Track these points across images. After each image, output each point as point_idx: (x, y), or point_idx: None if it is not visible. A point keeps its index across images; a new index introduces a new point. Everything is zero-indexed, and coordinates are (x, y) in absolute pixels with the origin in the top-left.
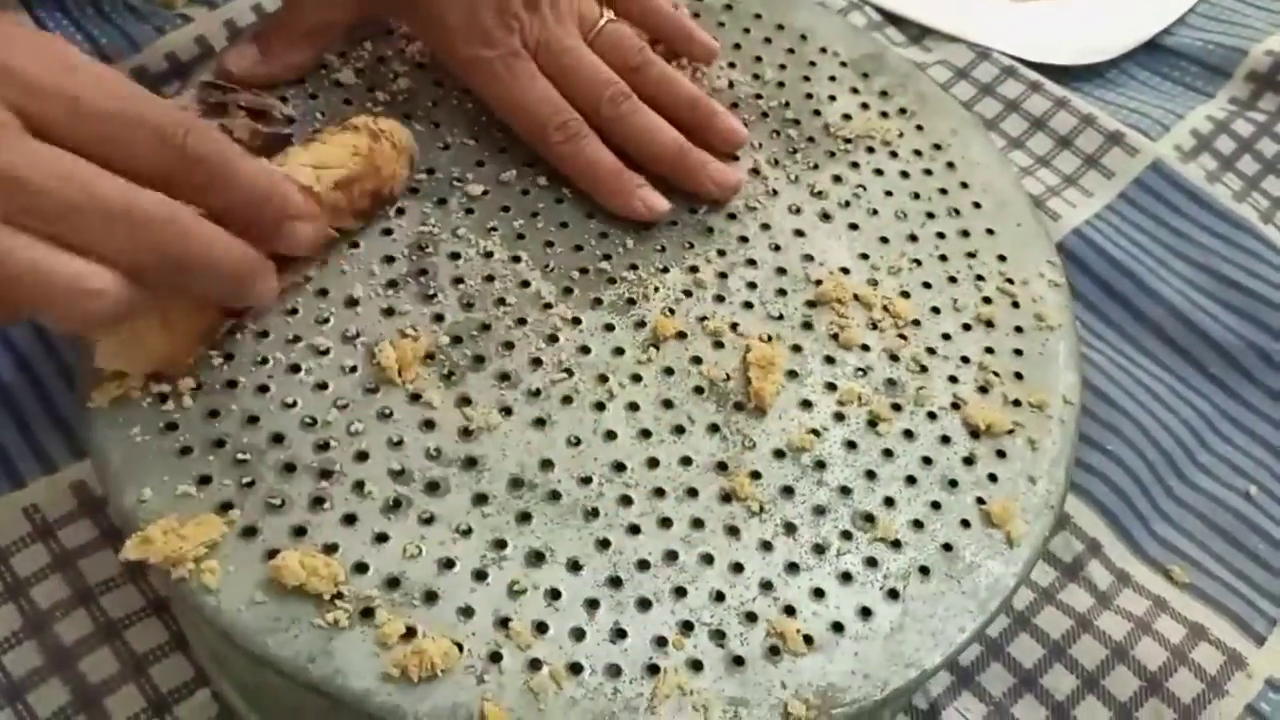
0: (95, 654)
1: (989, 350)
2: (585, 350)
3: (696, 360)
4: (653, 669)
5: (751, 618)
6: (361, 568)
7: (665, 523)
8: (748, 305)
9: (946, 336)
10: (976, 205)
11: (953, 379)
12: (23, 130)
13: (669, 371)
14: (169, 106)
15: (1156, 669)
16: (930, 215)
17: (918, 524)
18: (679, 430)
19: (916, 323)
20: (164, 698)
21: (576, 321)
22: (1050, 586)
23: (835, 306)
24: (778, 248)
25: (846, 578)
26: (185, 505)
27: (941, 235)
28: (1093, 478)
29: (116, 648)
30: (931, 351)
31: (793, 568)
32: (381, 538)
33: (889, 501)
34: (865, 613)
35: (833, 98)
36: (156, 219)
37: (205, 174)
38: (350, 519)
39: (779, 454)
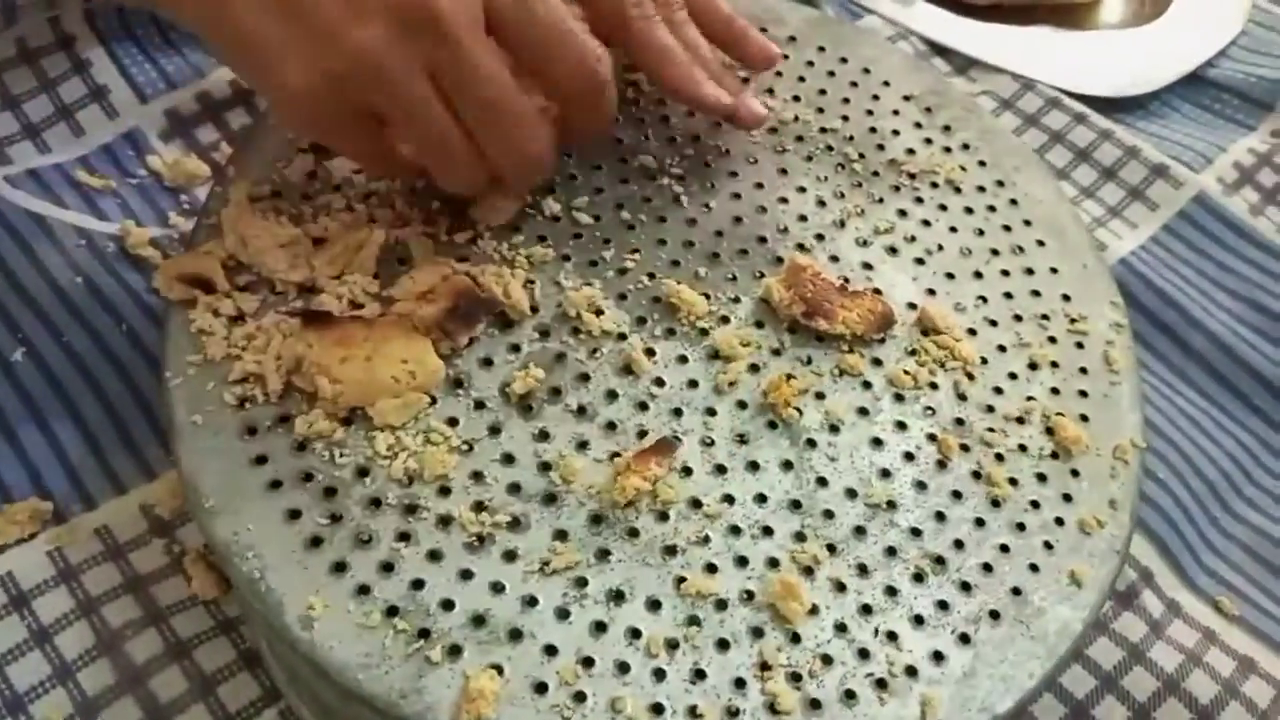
0: (165, 673)
1: (1054, 391)
2: (660, 383)
3: (765, 394)
4: (732, 711)
5: (827, 660)
6: (448, 604)
7: (742, 561)
8: (819, 339)
9: (1013, 376)
10: (1040, 243)
11: (1019, 420)
12: (483, 26)
13: (742, 405)
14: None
15: (1208, 702)
16: (995, 252)
17: (987, 567)
18: (753, 466)
19: (984, 360)
20: (232, 717)
21: (651, 353)
22: (1105, 616)
23: (905, 342)
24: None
25: (919, 621)
26: (277, 539)
27: (1006, 273)
28: (1144, 505)
29: (185, 667)
30: (998, 391)
31: (866, 609)
32: (466, 574)
33: (958, 544)
34: (938, 657)
35: (896, 132)
36: (532, 136)
37: (592, 100)
38: (435, 555)
39: (851, 493)
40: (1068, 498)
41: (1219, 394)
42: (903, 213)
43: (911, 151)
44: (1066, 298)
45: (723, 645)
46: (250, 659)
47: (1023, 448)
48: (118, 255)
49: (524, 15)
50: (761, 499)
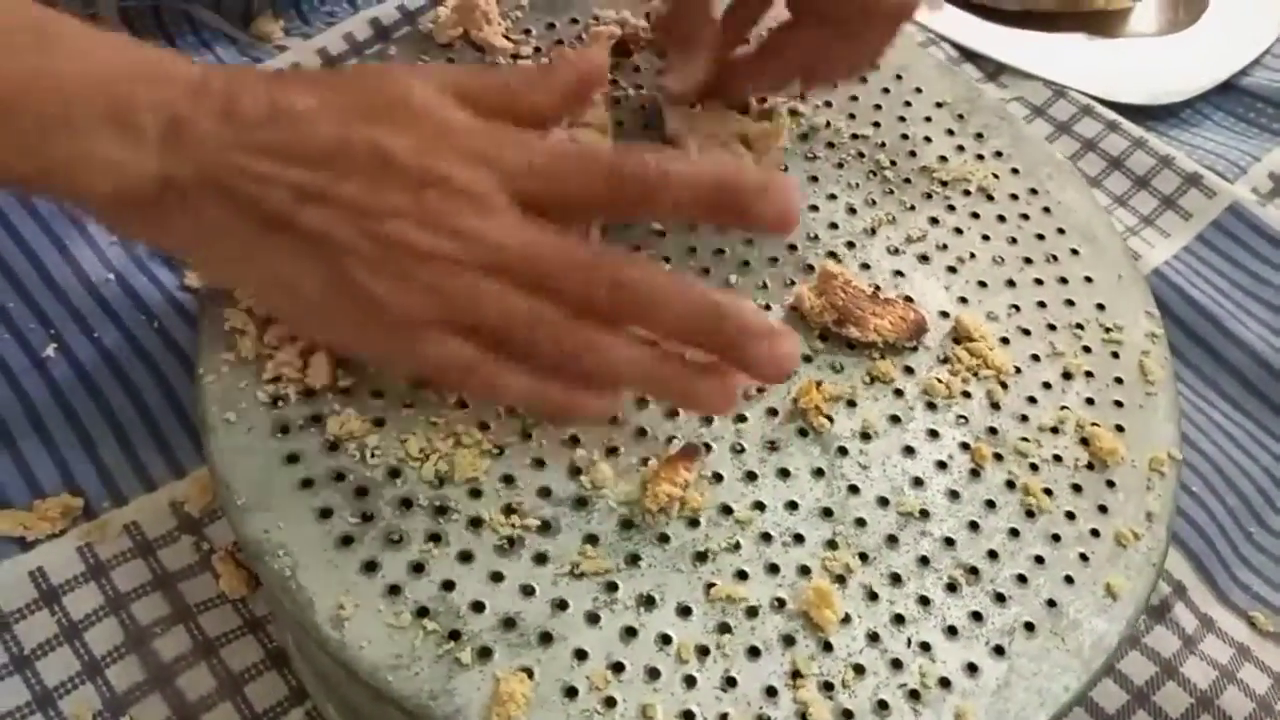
0: (193, 671)
1: (1089, 401)
2: None
3: (795, 401)
4: (763, 719)
5: (859, 670)
6: (479, 606)
7: (773, 569)
8: (851, 346)
9: (1047, 385)
10: (1074, 252)
11: (1054, 430)
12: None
13: (772, 413)
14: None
15: None
16: (1028, 260)
17: (1021, 579)
18: (784, 474)
19: (1017, 370)
20: (259, 716)
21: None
22: (1137, 630)
23: (937, 350)
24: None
25: (952, 632)
26: (308, 537)
27: (1039, 281)
28: (1177, 519)
29: (213, 665)
30: (1032, 400)
31: (899, 619)
32: (497, 576)
33: (992, 555)
34: (972, 668)
35: (929, 139)
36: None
37: (630, 299)
38: (467, 556)
39: (883, 501)
40: (1103, 509)
41: (1253, 406)
42: (935, 220)
43: (944, 159)
44: (1101, 307)
45: (754, 653)
46: (277, 658)
47: (1057, 458)
48: (149, 253)
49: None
50: (792, 506)
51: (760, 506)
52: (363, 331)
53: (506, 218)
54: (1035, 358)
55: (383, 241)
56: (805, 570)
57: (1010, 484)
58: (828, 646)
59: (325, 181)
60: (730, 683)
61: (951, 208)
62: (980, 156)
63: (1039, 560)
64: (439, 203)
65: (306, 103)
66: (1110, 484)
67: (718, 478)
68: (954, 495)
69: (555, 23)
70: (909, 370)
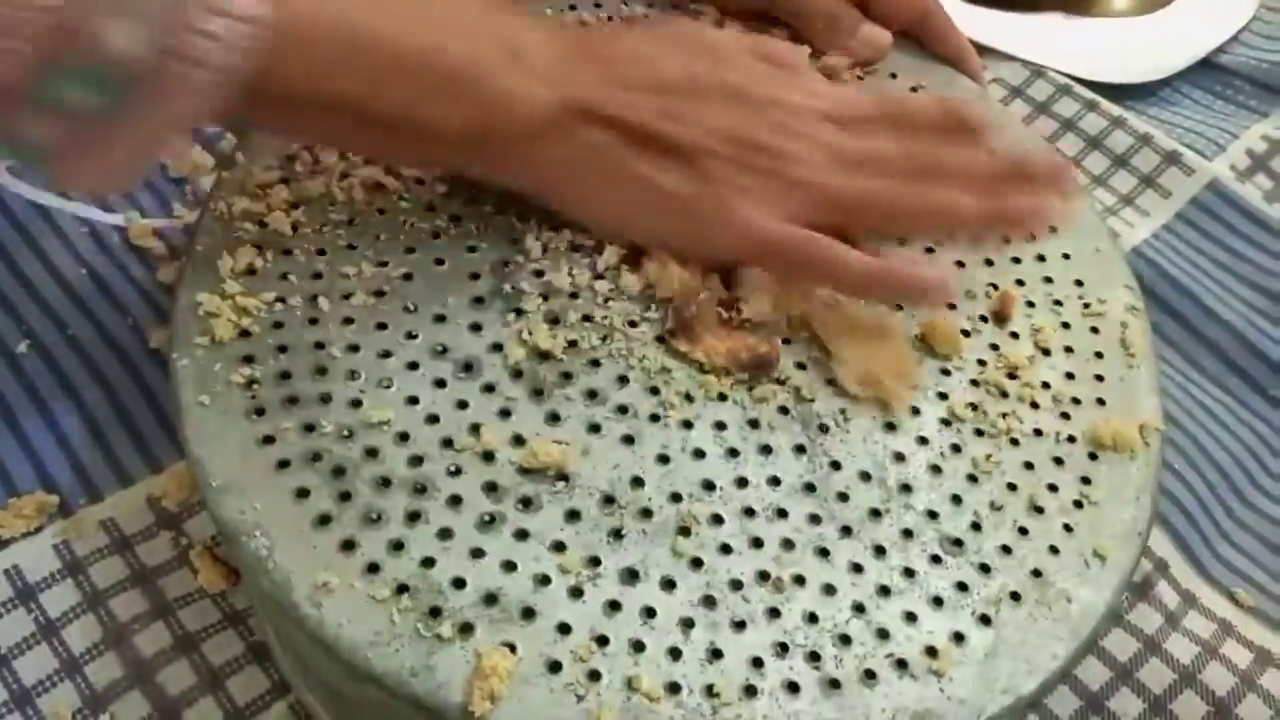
0: (173, 666)
1: (1069, 376)
2: (670, 369)
3: (780, 381)
4: (750, 690)
5: (845, 640)
6: (459, 583)
7: (756, 543)
8: None
9: (1028, 360)
10: (1052, 229)
11: (1034, 405)
12: None
13: (753, 390)
14: None
15: (1225, 694)
16: (1006, 240)
17: (1006, 549)
18: (766, 450)
19: (995, 347)
20: (241, 710)
21: (661, 340)
22: (1120, 608)
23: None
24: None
25: (938, 602)
26: (285, 517)
27: (1017, 260)
28: (1159, 496)
29: (194, 660)
30: (1013, 376)
31: (884, 590)
32: (477, 553)
33: (976, 527)
34: (958, 638)
35: None
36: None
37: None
38: (446, 533)
39: (865, 476)
40: (1086, 480)
41: (1233, 384)
42: None
43: None
44: (1079, 283)
45: (739, 625)
46: (259, 651)
47: (1038, 432)
48: (122, 247)
49: None
50: (775, 482)
51: (743, 482)
52: (715, 228)
53: (830, 129)
54: (1014, 335)
55: (736, 142)
56: (789, 543)
57: (991, 458)
58: (813, 618)
59: (684, 104)
60: (716, 654)
61: None
62: None
63: (1023, 531)
64: (781, 116)
65: (650, 48)
66: (1093, 456)
67: (700, 454)
68: (936, 470)
69: (548, 9)
70: None
